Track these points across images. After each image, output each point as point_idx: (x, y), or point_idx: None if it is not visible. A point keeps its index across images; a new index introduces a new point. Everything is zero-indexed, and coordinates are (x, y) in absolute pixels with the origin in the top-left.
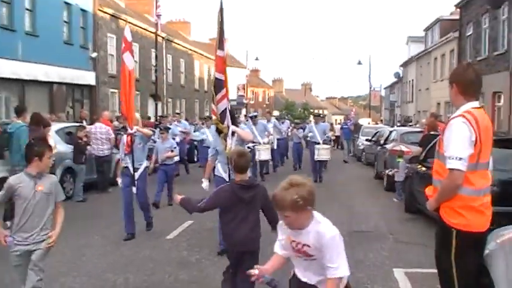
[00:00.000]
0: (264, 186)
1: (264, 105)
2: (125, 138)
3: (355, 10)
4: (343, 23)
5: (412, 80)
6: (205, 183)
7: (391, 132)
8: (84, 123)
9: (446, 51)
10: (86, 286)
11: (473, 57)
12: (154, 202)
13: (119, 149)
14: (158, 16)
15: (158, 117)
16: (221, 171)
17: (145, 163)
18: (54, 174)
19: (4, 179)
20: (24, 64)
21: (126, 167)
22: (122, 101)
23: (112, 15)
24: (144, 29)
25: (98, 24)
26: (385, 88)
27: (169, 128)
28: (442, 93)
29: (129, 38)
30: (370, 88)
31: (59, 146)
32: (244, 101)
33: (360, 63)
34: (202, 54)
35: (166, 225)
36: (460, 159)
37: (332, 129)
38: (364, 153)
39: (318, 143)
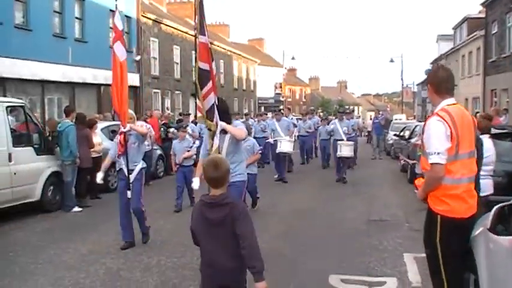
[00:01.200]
0: (242, 205)
1: (301, 103)
2: (117, 137)
3: (388, 9)
4: (376, 22)
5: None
6: (195, 183)
7: (416, 126)
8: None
9: (473, 48)
10: (123, 267)
11: (498, 54)
12: (176, 210)
13: (159, 145)
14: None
15: (179, 114)
16: None
17: (141, 164)
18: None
19: (55, 173)
20: (74, 68)
21: (121, 169)
22: (112, 96)
23: (154, 20)
24: (185, 32)
25: (141, 29)
26: (417, 85)
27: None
28: (469, 89)
29: (119, 26)
30: (403, 85)
31: (105, 142)
32: (281, 99)
33: (392, 60)
34: (240, 55)
35: None
36: (439, 153)
37: (365, 125)
38: (392, 147)
39: (341, 140)
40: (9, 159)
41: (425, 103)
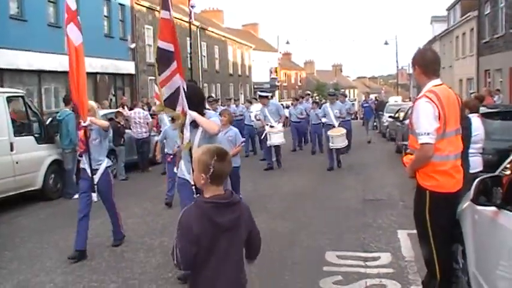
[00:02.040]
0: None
1: (296, 87)
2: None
3: None
4: (370, 4)
5: None
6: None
7: (410, 108)
8: (125, 108)
9: (467, 29)
10: (126, 249)
11: (491, 35)
12: (166, 202)
13: (156, 132)
14: (192, 7)
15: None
16: (184, 171)
17: (105, 162)
18: None
19: (56, 161)
20: None
21: (83, 169)
22: (70, 85)
23: (148, 8)
24: (179, 19)
25: (136, 17)
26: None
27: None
28: (464, 70)
29: (72, 6)
30: (398, 67)
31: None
32: (277, 84)
33: (386, 43)
34: (235, 40)
35: None
36: (428, 134)
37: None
38: (388, 129)
39: (333, 126)
40: (11, 149)
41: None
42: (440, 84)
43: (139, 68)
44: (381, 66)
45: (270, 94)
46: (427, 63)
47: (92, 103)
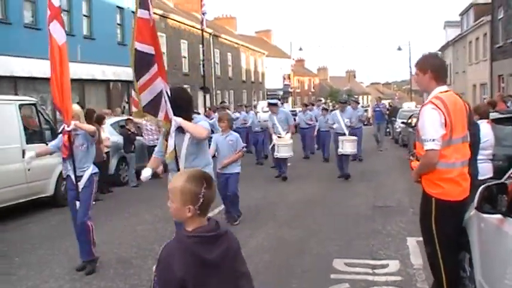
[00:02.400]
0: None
1: (310, 93)
2: (61, 138)
3: None
4: (383, 10)
5: (450, 64)
6: (145, 173)
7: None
8: None
9: (480, 34)
10: (135, 255)
11: (505, 40)
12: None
13: None
14: (203, 13)
15: (207, 109)
16: None
17: (91, 169)
18: (109, 162)
19: None
20: (83, 65)
21: (68, 177)
22: (52, 88)
23: (161, 16)
24: (192, 26)
25: None
26: None
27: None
28: (477, 75)
29: (55, 2)
30: (411, 73)
31: (114, 137)
32: (290, 90)
33: (399, 49)
34: (248, 47)
35: (216, 201)
36: (433, 140)
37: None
38: (400, 135)
39: (343, 134)
40: (23, 156)
41: None
42: (447, 91)
43: None
44: (395, 72)
45: (279, 102)
46: (439, 68)
47: (76, 107)
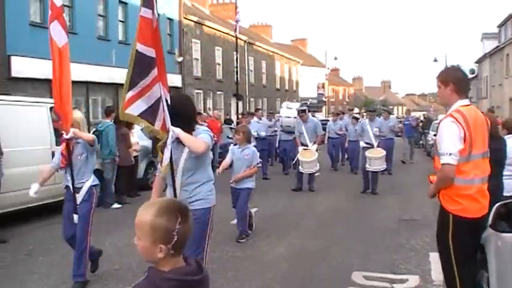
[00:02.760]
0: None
1: (344, 103)
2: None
3: (432, 8)
4: (420, 21)
5: (487, 76)
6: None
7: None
8: None
9: None
10: None
11: None
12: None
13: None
14: (237, 21)
15: (240, 115)
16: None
17: (91, 181)
18: (138, 166)
19: (96, 170)
20: (118, 69)
21: (67, 187)
22: (53, 93)
23: (196, 22)
24: (227, 33)
25: (183, 31)
26: None
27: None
28: None
29: (58, 1)
30: None
31: (143, 142)
32: (324, 99)
33: (436, 60)
34: (283, 55)
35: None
36: (450, 154)
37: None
38: (432, 147)
39: (371, 146)
40: (52, 157)
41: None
42: (468, 105)
43: (186, 81)
44: (431, 83)
45: (307, 108)
46: (461, 81)
47: (77, 114)
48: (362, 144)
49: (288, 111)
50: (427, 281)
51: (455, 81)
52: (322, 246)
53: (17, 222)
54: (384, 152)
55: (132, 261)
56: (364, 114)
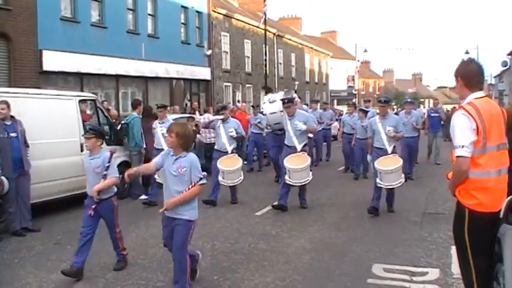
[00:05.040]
0: None
1: (375, 96)
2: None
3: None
4: (451, 12)
5: None
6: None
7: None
8: (197, 114)
9: None
10: None
11: None
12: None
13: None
14: (264, 13)
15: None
16: None
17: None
18: None
19: (124, 162)
20: (147, 63)
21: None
22: None
23: (225, 15)
24: (256, 26)
25: (213, 24)
26: (494, 77)
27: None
28: None
29: None
30: None
31: None
32: (354, 92)
33: (467, 52)
34: (312, 48)
35: (258, 204)
36: (463, 146)
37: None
38: None
39: (385, 150)
40: (81, 149)
41: (502, 96)
42: (483, 97)
43: (215, 74)
44: None
45: (294, 97)
46: (470, 75)
47: None
48: (369, 157)
49: (271, 106)
50: (447, 274)
51: (463, 75)
52: (345, 239)
53: (48, 212)
54: (401, 162)
55: (157, 252)
56: (395, 107)
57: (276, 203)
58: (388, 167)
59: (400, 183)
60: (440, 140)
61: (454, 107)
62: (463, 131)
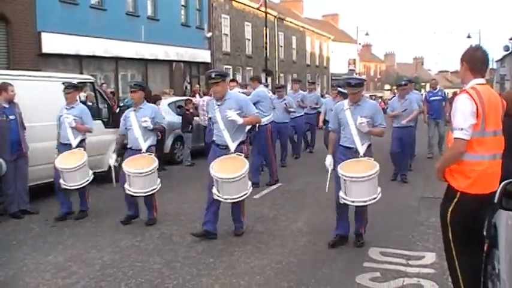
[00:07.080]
0: None
1: (376, 79)
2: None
3: None
4: None
5: None
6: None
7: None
8: (197, 96)
9: None
10: (176, 232)
11: None
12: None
13: None
14: None
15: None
16: None
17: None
18: (165, 142)
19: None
20: (147, 45)
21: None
22: None
23: None
24: (256, 8)
25: (213, 6)
26: (496, 61)
27: None
28: None
29: None
30: None
31: (169, 116)
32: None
33: (469, 36)
34: (313, 31)
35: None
36: (462, 129)
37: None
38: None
39: (356, 151)
40: None
41: (503, 80)
42: (484, 84)
43: (215, 57)
44: None
45: (226, 73)
46: (475, 60)
47: None
48: (328, 160)
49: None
50: (443, 258)
51: (468, 60)
52: None
53: (46, 195)
54: (377, 167)
55: (154, 234)
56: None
57: (196, 232)
58: (358, 173)
59: (374, 198)
60: (444, 128)
61: (455, 92)
62: (464, 114)
